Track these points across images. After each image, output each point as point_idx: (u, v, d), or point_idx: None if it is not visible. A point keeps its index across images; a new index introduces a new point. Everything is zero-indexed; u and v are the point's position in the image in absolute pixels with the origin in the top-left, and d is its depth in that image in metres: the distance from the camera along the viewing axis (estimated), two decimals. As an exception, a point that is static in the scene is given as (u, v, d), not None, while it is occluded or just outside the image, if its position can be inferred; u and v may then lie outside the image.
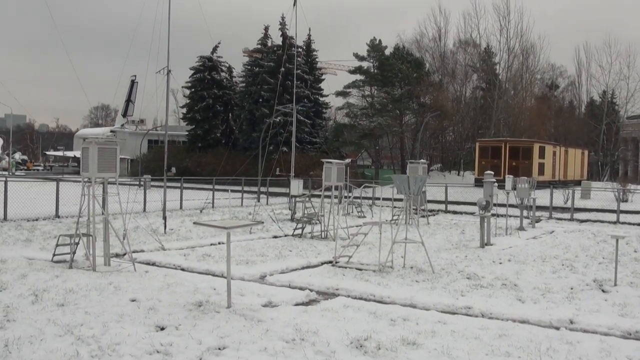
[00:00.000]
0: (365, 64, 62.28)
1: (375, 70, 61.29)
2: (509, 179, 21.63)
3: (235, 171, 36.28)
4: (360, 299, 9.23)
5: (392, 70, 58.72)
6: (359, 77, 62.46)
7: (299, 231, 17.94)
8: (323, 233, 17.42)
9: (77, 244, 11.73)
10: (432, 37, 72.16)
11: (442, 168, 65.79)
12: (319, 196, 22.41)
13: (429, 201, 27.67)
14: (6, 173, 66.63)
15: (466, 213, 28.18)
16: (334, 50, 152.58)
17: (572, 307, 8.84)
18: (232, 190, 27.73)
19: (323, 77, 65.75)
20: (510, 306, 8.83)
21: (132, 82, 75.25)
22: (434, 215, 27.35)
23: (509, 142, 46.95)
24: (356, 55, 62.23)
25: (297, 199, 23.39)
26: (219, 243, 15.37)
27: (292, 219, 22.16)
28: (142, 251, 13.62)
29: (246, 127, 58.60)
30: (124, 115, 77.19)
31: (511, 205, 22.96)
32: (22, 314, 7.53)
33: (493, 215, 18.39)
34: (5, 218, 19.31)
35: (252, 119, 57.88)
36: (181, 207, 26.25)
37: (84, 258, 11.80)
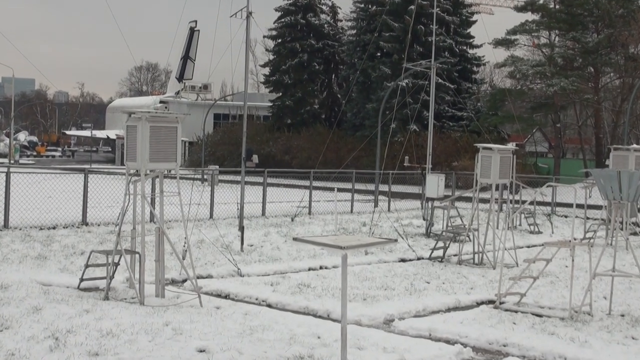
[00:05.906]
0: (540, -3, 60.63)
1: (557, 6, 59.48)
2: None
3: (341, 160, 36.51)
4: (544, 362, 9.02)
5: (584, 5, 56.72)
6: (530, 16, 60.86)
7: (440, 252, 17.70)
8: (477, 256, 17.12)
9: (118, 264, 12.14)
10: (650, -51, 69.09)
11: (663, 158, 62.85)
12: (469, 200, 22.00)
13: (643, 210, 26.51)
14: (6, 161, 70.16)
15: None
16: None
17: None
18: (338, 189, 27.82)
19: (474, 18, 64.83)
20: None
21: (192, 31, 77.32)
22: (652, 233, 26.22)
23: None
24: (527, -16, 60.74)
25: (436, 204, 23.09)
26: (321, 267, 15.50)
27: (428, 234, 22.05)
28: (210, 277, 13.92)
29: (357, 96, 58.89)
30: (180, 79, 79.56)
31: None
32: (34, 368, 7.79)
33: None
34: (5, 225, 19.76)
35: (367, 82, 58.02)
36: (264, 213, 26.74)
37: (127, 285, 12.22)
